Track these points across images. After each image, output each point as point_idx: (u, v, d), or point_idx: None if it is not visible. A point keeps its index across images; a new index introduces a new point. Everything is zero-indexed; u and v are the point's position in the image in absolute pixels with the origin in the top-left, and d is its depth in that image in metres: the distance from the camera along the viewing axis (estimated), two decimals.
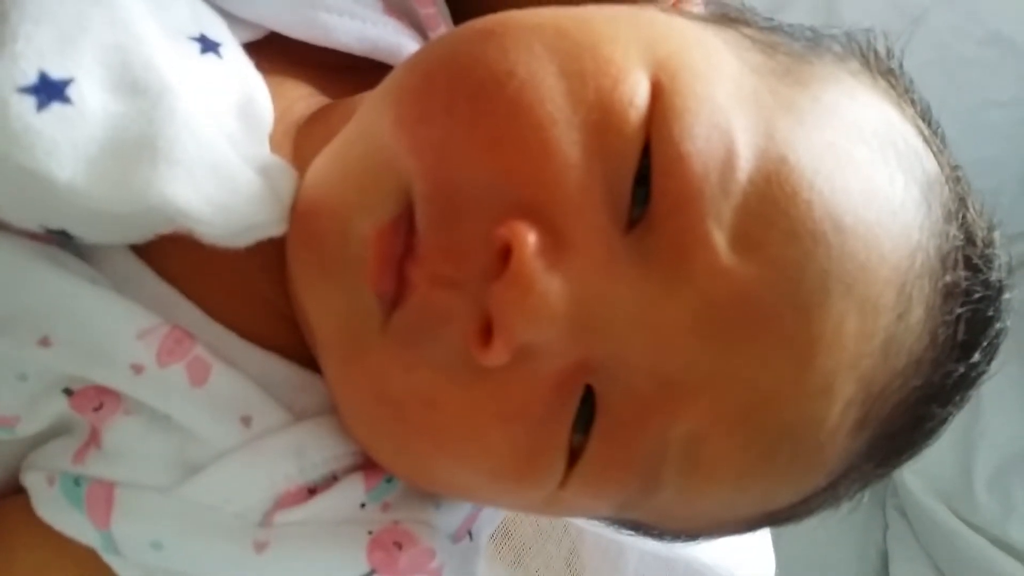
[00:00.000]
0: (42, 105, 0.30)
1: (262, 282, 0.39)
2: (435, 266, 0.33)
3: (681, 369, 0.32)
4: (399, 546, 0.38)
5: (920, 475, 1.39)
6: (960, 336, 0.37)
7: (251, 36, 0.42)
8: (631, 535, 0.45)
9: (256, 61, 0.39)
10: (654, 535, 0.44)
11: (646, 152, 0.32)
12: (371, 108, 0.37)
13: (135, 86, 0.32)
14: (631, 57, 0.34)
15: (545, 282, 0.31)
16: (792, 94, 0.35)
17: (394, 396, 0.34)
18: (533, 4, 0.37)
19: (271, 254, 0.37)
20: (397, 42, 0.45)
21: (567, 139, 0.32)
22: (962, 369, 0.38)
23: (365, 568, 0.38)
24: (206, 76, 0.35)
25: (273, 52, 0.41)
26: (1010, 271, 0.40)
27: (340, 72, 0.45)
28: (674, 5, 0.43)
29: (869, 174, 0.34)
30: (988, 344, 0.39)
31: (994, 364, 0.40)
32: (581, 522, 0.67)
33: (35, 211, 0.33)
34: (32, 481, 0.38)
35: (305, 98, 0.43)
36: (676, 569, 0.71)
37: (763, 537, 0.78)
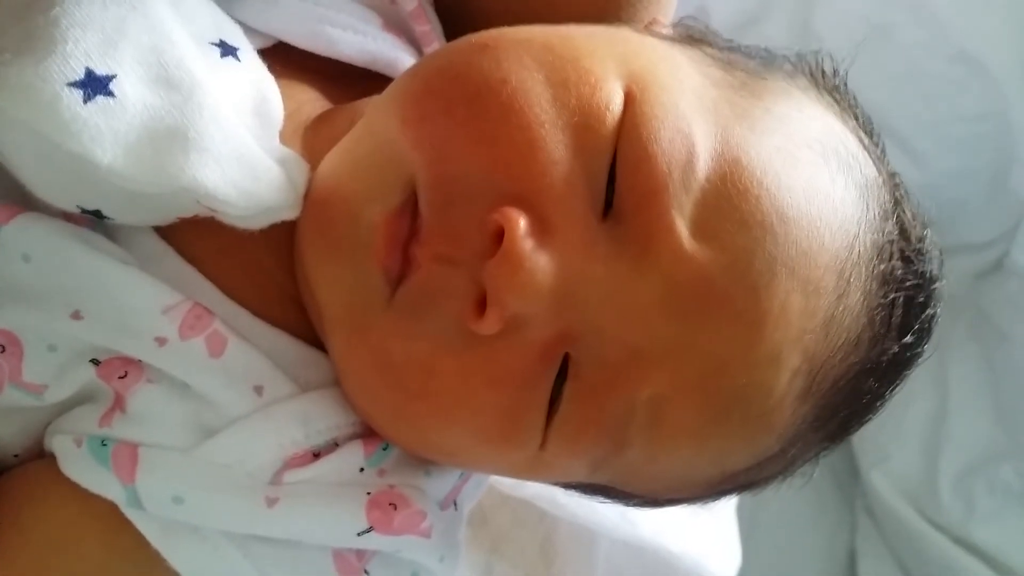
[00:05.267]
0: (88, 98, 0.35)
1: (273, 266, 0.43)
2: (436, 246, 0.37)
3: (648, 341, 0.37)
4: (394, 507, 0.42)
5: (887, 476, 1.42)
6: (895, 319, 0.42)
7: (262, 44, 0.46)
8: (604, 501, 0.49)
9: (268, 66, 0.43)
10: (624, 499, 0.48)
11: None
12: (377, 111, 0.41)
13: (169, 82, 0.37)
14: (608, 69, 0.39)
15: (533, 260, 0.35)
16: (746, 105, 0.40)
17: (395, 365, 0.38)
18: (520, 22, 0.42)
19: (282, 240, 0.41)
20: (395, 56, 0.50)
21: (552, 138, 0.37)
22: (896, 348, 0.43)
23: (364, 524, 0.41)
24: (227, 76, 0.40)
25: (281, 59, 0.46)
26: (942, 265, 0.45)
27: (341, 80, 0.49)
28: (646, 26, 0.48)
29: (812, 174, 0.39)
30: (921, 327, 0.44)
31: (928, 347, 0.45)
32: (555, 511, 0.70)
33: (75, 192, 0.37)
34: (59, 443, 0.41)
35: (312, 101, 0.48)
36: (645, 556, 0.74)
37: (731, 529, 0.81)
